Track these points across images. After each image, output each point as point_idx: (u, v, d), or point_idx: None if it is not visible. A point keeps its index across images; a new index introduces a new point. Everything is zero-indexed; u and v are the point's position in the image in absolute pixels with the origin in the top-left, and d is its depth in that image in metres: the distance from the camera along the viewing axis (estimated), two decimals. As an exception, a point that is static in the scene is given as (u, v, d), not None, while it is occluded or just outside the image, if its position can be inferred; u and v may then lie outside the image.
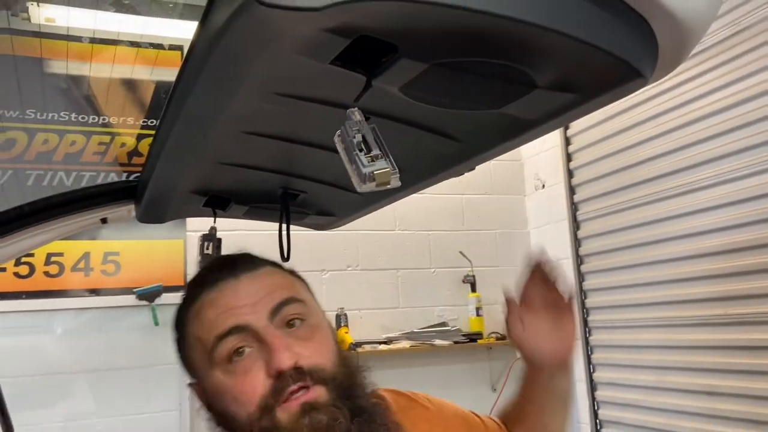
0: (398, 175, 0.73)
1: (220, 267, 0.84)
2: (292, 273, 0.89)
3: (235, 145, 1.09)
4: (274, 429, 0.71)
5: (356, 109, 0.75)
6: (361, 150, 0.73)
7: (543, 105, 0.80)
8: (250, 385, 0.73)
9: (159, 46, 2.85)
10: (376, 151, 0.73)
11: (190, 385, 0.85)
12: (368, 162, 0.72)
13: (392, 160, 0.73)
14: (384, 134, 0.77)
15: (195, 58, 0.79)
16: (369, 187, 0.72)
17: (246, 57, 0.71)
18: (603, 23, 0.66)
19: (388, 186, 0.72)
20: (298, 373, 0.73)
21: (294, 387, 0.72)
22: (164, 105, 1.04)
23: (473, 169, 1.15)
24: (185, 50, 2.86)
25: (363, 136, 0.74)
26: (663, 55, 0.72)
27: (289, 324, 0.78)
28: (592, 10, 0.66)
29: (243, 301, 0.77)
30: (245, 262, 0.84)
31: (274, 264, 0.88)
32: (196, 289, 0.83)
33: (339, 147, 0.76)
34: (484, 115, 0.86)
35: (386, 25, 0.64)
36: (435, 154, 1.04)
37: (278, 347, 0.73)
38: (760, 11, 2.10)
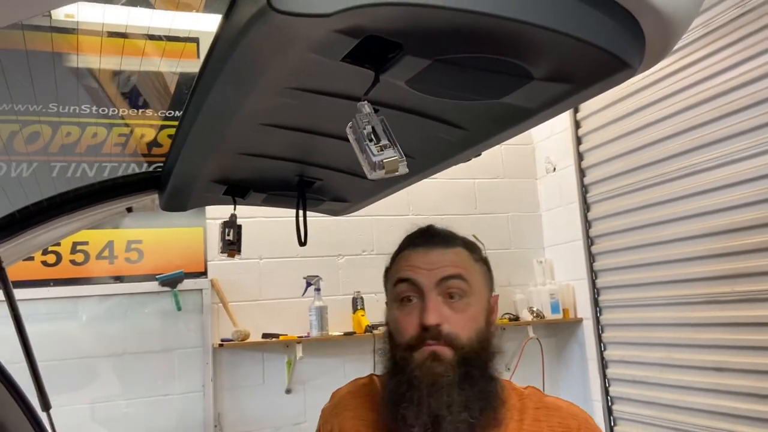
0: (405, 163, 0.79)
1: (427, 234, 1.07)
2: (478, 259, 1.07)
3: (254, 136, 1.15)
4: (409, 360, 0.97)
5: (366, 102, 0.81)
6: (371, 140, 0.79)
7: (540, 95, 0.86)
8: (406, 326, 0.99)
9: (175, 39, 2.92)
10: (384, 141, 0.79)
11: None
12: (378, 151, 0.78)
13: (400, 149, 0.79)
14: (393, 124, 0.83)
15: (215, 59, 0.85)
16: (379, 174, 0.78)
17: (263, 57, 0.77)
18: (594, 20, 0.71)
19: (397, 173, 0.78)
20: (437, 332, 0.96)
21: (431, 341, 0.96)
22: (186, 100, 1.11)
23: (479, 154, 1.21)
24: (201, 42, 2.93)
25: (372, 128, 0.80)
26: (650, 48, 0.77)
27: (450, 295, 0.99)
28: (583, 9, 0.71)
29: (425, 266, 1.00)
30: (443, 238, 1.06)
31: (467, 246, 1.07)
32: (407, 241, 1.08)
33: (350, 137, 0.82)
34: (485, 104, 0.91)
35: (391, 26, 0.70)
36: (442, 141, 1.10)
37: (431, 308, 0.97)
38: (767, -8, 2.12)
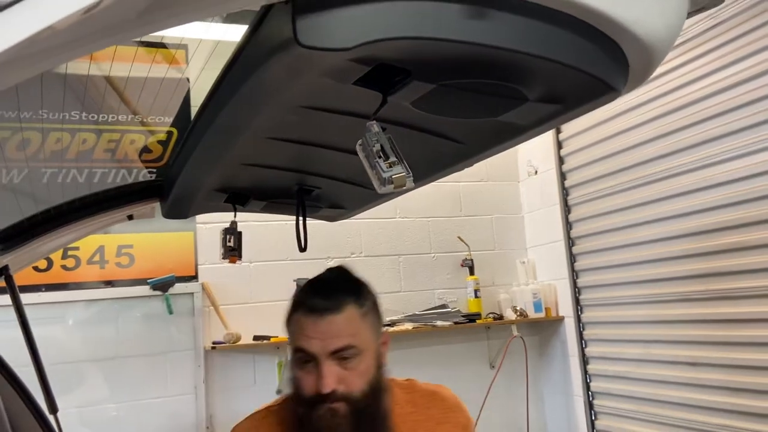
0: (412, 178, 0.86)
1: (319, 296, 1.15)
2: (367, 311, 1.17)
3: (259, 148, 1.21)
4: (311, 415, 1.10)
5: (374, 122, 0.88)
6: (380, 157, 0.86)
7: (533, 114, 0.93)
8: (307, 385, 1.12)
9: (162, 45, 2.95)
10: (393, 158, 0.85)
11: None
12: (387, 168, 0.85)
13: (407, 165, 0.86)
14: (396, 138, 0.89)
15: (231, 78, 0.91)
16: (388, 189, 0.85)
17: (279, 81, 0.83)
18: (583, 48, 0.79)
19: (404, 188, 0.85)
20: (332, 393, 1.09)
21: (328, 401, 1.09)
22: (195, 116, 1.16)
23: (472, 165, 1.29)
24: (190, 49, 2.96)
25: (381, 146, 0.86)
26: (633, 73, 0.85)
27: (343, 357, 1.11)
28: (573, 38, 0.78)
29: (318, 336, 1.10)
30: (333, 300, 1.13)
31: (356, 301, 1.15)
32: (301, 299, 1.17)
33: (360, 155, 0.88)
34: (483, 121, 0.99)
35: (402, 55, 0.77)
36: (439, 154, 1.17)
37: (326, 375, 1.09)
38: (737, 5, 2.23)
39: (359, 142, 0.88)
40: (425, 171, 1.26)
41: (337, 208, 1.63)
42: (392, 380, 1.26)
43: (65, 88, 2.77)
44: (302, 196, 1.49)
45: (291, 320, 1.17)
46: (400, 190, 0.85)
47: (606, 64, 0.82)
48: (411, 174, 0.85)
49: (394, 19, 0.68)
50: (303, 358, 1.12)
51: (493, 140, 1.07)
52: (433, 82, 0.83)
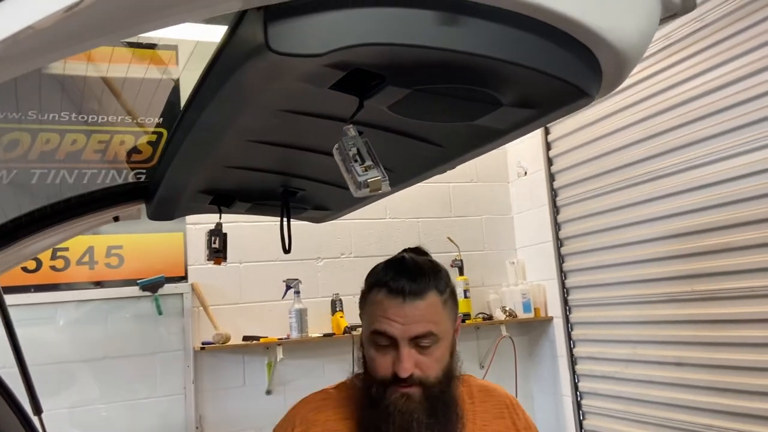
0: (388, 182, 0.87)
1: (403, 277, 1.12)
2: (446, 298, 1.15)
3: (242, 151, 1.22)
4: (383, 396, 1.10)
5: (351, 126, 0.89)
6: (356, 161, 0.87)
7: (509, 118, 0.94)
8: (381, 366, 1.11)
9: (152, 46, 2.95)
10: (369, 162, 0.86)
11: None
12: (363, 171, 0.85)
13: (383, 168, 0.87)
14: (376, 141, 0.90)
15: (210, 82, 0.92)
16: (364, 192, 0.86)
17: (255, 86, 0.84)
18: (556, 55, 0.80)
19: (380, 191, 0.86)
20: (409, 377, 1.08)
21: (404, 384, 1.09)
22: (178, 117, 1.17)
23: (454, 168, 1.30)
24: (179, 49, 2.96)
25: (358, 150, 0.87)
26: (606, 78, 0.86)
27: (421, 345, 1.10)
28: (546, 45, 0.79)
29: (400, 319, 1.09)
30: (419, 285, 1.11)
31: (437, 287, 1.14)
32: (383, 279, 1.14)
33: (337, 158, 0.89)
34: (461, 125, 1.00)
35: (375, 61, 0.77)
36: (420, 157, 1.18)
37: (404, 359, 1.08)
38: (722, 8, 2.24)
39: (336, 146, 0.89)
40: (407, 173, 1.28)
41: (322, 209, 1.63)
42: None
43: (52, 88, 2.77)
44: (287, 198, 1.50)
45: (370, 299, 1.15)
46: (376, 193, 0.86)
47: (579, 71, 0.83)
48: (387, 178, 0.86)
49: (365, 25, 0.68)
50: (381, 341, 1.11)
51: (472, 143, 1.08)
52: (408, 87, 0.83)
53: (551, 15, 0.75)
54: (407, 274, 1.12)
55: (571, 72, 0.82)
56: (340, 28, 0.68)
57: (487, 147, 1.08)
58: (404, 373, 1.07)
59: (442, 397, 1.12)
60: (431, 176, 1.30)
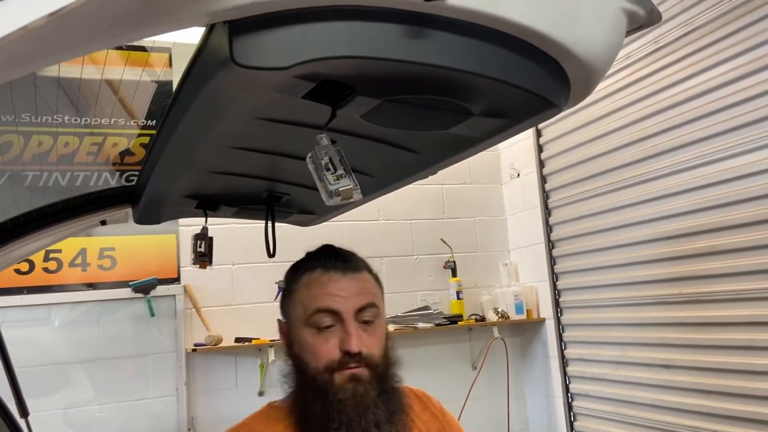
0: (360, 190, 0.88)
1: (335, 258, 1.11)
2: (376, 278, 1.16)
3: (224, 157, 1.23)
4: (329, 383, 1.03)
5: (324, 135, 0.90)
6: (328, 170, 0.88)
7: (481, 127, 0.95)
8: (327, 350, 1.04)
9: (143, 49, 2.96)
10: (341, 171, 0.87)
11: (279, 321, 1.19)
12: (334, 180, 0.87)
13: (355, 178, 0.88)
14: (352, 147, 0.91)
15: (184, 93, 0.93)
16: (335, 201, 0.87)
17: (228, 96, 0.85)
18: (524, 68, 0.81)
19: (351, 200, 0.87)
20: (358, 355, 1.03)
21: (352, 364, 1.03)
22: (159, 124, 1.18)
23: (435, 173, 1.31)
24: (173, 52, 2.97)
25: (330, 158, 0.88)
26: (574, 89, 0.87)
27: (365, 321, 1.07)
28: (514, 58, 0.80)
29: (343, 293, 1.06)
30: (352, 263, 1.12)
31: (369, 271, 1.15)
32: (312, 263, 1.12)
33: (310, 167, 0.90)
34: (435, 133, 1.01)
35: (343, 72, 0.78)
36: (398, 163, 1.19)
37: (353, 334, 1.03)
38: (711, 12, 2.25)
39: (309, 154, 0.90)
40: (388, 178, 1.29)
41: (308, 213, 1.65)
42: None
43: (46, 90, 2.78)
44: (272, 203, 1.51)
45: (302, 283, 1.10)
46: (347, 202, 0.87)
47: (547, 82, 0.84)
48: (358, 186, 0.87)
49: (330, 38, 0.69)
50: (323, 321, 1.05)
51: (448, 150, 1.09)
52: (378, 97, 0.84)
53: (518, 28, 0.77)
54: (337, 255, 1.12)
55: (539, 84, 0.83)
56: (305, 41, 0.69)
57: (462, 154, 1.09)
58: (355, 348, 1.02)
59: (387, 381, 1.09)
60: (414, 181, 1.31)
